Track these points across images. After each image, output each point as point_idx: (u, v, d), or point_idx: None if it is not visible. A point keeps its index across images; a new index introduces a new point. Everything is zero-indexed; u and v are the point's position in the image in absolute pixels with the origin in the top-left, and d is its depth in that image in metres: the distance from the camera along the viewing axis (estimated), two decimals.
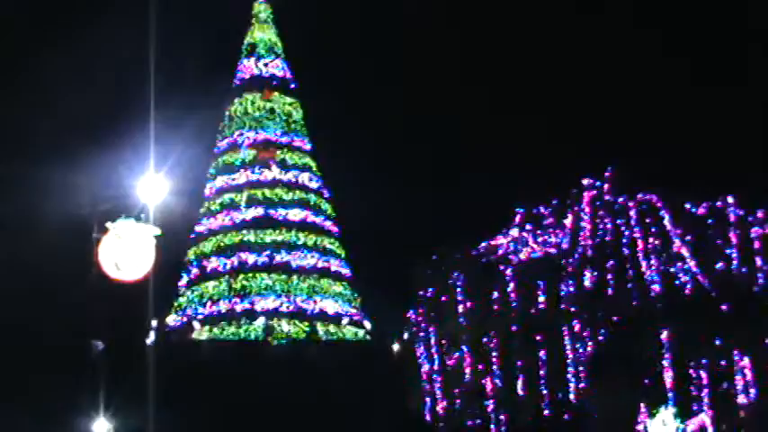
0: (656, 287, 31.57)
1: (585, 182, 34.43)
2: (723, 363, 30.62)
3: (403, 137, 71.85)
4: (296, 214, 55.23)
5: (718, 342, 30.75)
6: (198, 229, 55.77)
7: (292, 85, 60.29)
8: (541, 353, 32.21)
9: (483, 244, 35.94)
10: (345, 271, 55.70)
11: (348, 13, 79.21)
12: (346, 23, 77.81)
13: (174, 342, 48.74)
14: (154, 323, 25.70)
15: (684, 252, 31.95)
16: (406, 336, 38.50)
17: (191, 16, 63.29)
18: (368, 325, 53.28)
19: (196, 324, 51.57)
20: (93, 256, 15.17)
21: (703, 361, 30.75)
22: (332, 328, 51.76)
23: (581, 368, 31.31)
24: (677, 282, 31.81)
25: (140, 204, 16.04)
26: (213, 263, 54.11)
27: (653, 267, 31.80)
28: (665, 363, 30.70)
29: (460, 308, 34.20)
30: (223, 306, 52.21)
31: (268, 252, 53.38)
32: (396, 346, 45.36)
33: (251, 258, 53.58)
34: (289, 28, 60.80)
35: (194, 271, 54.74)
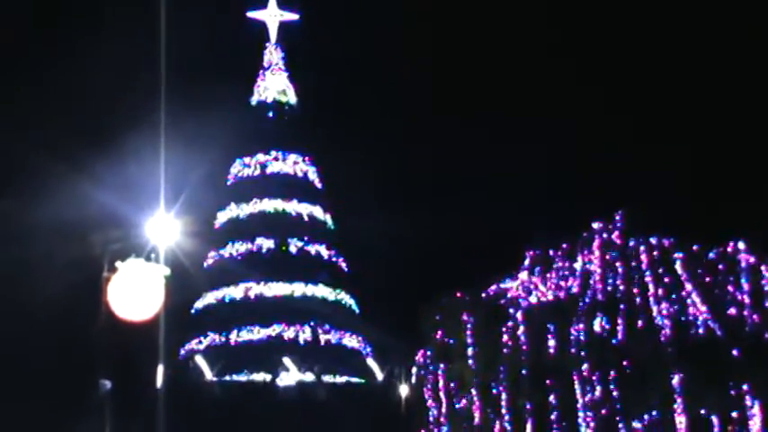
0: (666, 332, 31.42)
1: (596, 225, 34.39)
2: (735, 409, 30.42)
3: (413, 181, 71.92)
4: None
5: (729, 387, 30.56)
6: (207, 262, 55.63)
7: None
8: (551, 397, 32.04)
9: (492, 287, 35.86)
10: (353, 304, 55.48)
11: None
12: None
13: (183, 382, 48.60)
14: (163, 363, 25.60)
15: (696, 297, 31.83)
16: (414, 379, 38.30)
17: (203, 52, 63.52)
18: (376, 368, 53.07)
19: (205, 364, 51.42)
20: (102, 295, 15.17)
21: (715, 406, 30.55)
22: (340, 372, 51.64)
23: (590, 413, 31.12)
24: (688, 327, 31.66)
25: (150, 244, 16.08)
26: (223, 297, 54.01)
27: (664, 312, 31.67)
28: (675, 408, 30.49)
29: (469, 351, 34.06)
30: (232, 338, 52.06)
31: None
32: (404, 389, 45.16)
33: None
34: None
35: (206, 300, 54.64)
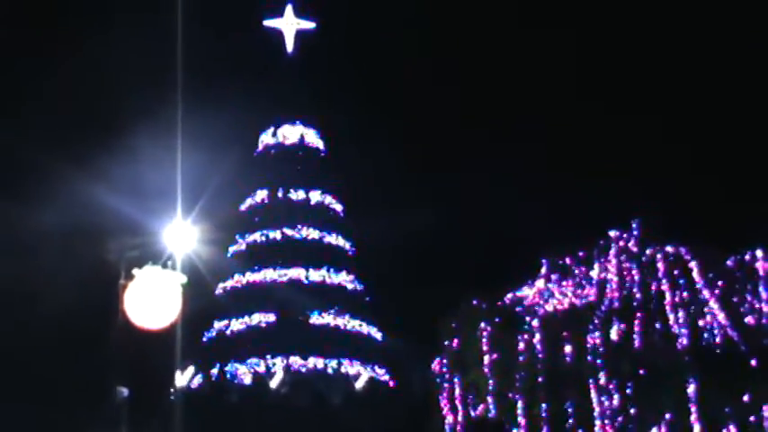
0: (683, 340, 31.31)
1: (612, 233, 34.32)
2: (752, 417, 30.28)
3: (429, 187, 71.89)
4: (321, 274, 54.89)
5: (746, 396, 30.42)
6: (222, 285, 55.42)
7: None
8: (567, 405, 31.96)
9: (509, 295, 35.81)
10: (375, 332, 55.22)
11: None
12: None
13: (199, 391, 48.66)
14: (179, 371, 25.68)
15: (713, 305, 31.71)
16: (430, 386, 38.23)
17: (219, 59, 63.67)
18: (390, 379, 53.02)
19: (220, 373, 51.44)
20: (119, 303, 15.20)
21: (731, 415, 30.41)
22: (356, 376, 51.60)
23: (607, 421, 31.01)
24: (705, 335, 31.55)
25: (167, 252, 16.09)
26: (238, 324, 53.87)
27: (681, 320, 31.56)
28: (692, 417, 30.36)
29: (486, 359, 34.00)
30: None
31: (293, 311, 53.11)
32: (419, 397, 45.09)
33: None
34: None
35: (219, 325, 54.60)
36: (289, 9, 61.08)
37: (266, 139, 59.97)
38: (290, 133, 59.55)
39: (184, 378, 45.64)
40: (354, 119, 65.31)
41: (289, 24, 60.91)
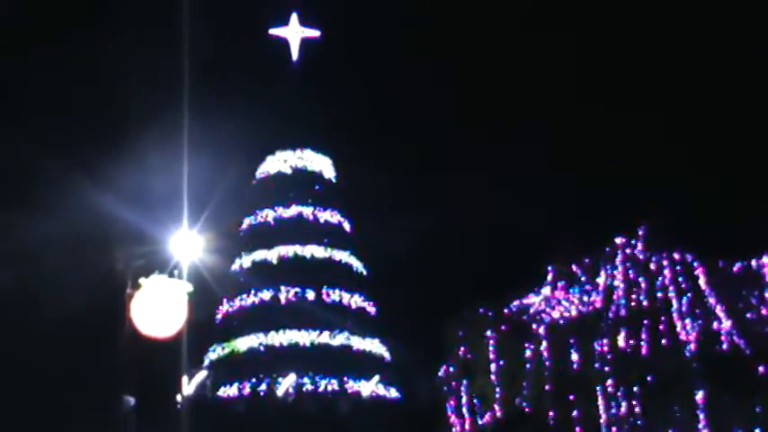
0: (691, 347, 31.28)
1: (619, 240, 34.32)
2: (760, 425, 30.24)
3: (431, 195, 71.77)
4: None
5: (754, 403, 30.39)
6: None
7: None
8: (575, 412, 31.93)
9: (515, 302, 35.79)
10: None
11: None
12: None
13: (205, 399, 48.60)
14: (186, 380, 25.77)
15: (720, 312, 31.69)
16: (437, 394, 38.23)
17: (225, 68, 63.68)
18: (396, 387, 52.94)
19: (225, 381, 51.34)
20: (125, 312, 15.23)
21: (740, 422, 30.39)
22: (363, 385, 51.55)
23: (614, 428, 30.97)
24: (713, 342, 31.52)
25: (174, 261, 16.13)
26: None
27: (688, 327, 31.54)
28: (700, 423, 30.33)
29: (492, 366, 33.99)
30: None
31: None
32: (426, 405, 45.05)
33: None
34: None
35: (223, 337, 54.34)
36: (294, 18, 61.15)
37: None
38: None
39: (191, 387, 45.60)
40: (360, 127, 65.37)
41: (294, 33, 60.96)
